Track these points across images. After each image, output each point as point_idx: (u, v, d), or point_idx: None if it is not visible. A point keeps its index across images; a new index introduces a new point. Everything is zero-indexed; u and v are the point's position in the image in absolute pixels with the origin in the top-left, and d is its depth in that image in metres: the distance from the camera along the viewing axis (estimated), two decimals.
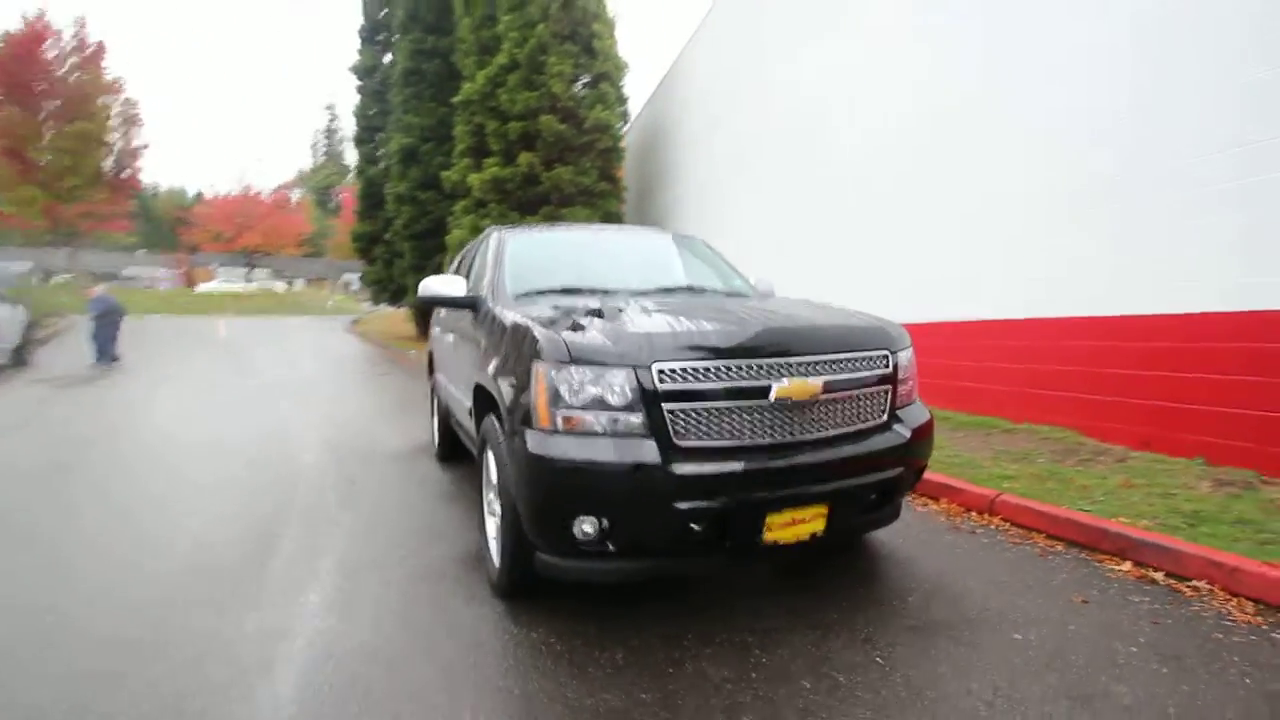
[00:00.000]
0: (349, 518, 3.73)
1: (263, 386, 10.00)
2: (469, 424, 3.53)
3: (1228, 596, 2.47)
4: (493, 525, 2.84)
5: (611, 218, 14.56)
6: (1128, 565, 2.81)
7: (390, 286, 20.86)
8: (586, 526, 2.15)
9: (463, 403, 3.49)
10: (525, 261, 3.51)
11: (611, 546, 2.18)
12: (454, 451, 5.10)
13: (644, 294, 3.30)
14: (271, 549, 3.22)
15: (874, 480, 2.43)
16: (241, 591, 2.73)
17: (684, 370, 2.18)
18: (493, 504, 2.75)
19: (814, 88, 8.20)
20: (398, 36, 17.93)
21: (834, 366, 2.38)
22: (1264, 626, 2.27)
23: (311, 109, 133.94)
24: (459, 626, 2.41)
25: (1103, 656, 2.11)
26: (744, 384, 2.22)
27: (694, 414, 2.18)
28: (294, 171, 76.32)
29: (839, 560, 2.95)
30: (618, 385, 2.15)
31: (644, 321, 2.34)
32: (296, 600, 2.65)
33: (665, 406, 2.15)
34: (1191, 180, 4.17)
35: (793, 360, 2.30)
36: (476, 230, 14.22)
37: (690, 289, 3.52)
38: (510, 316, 2.67)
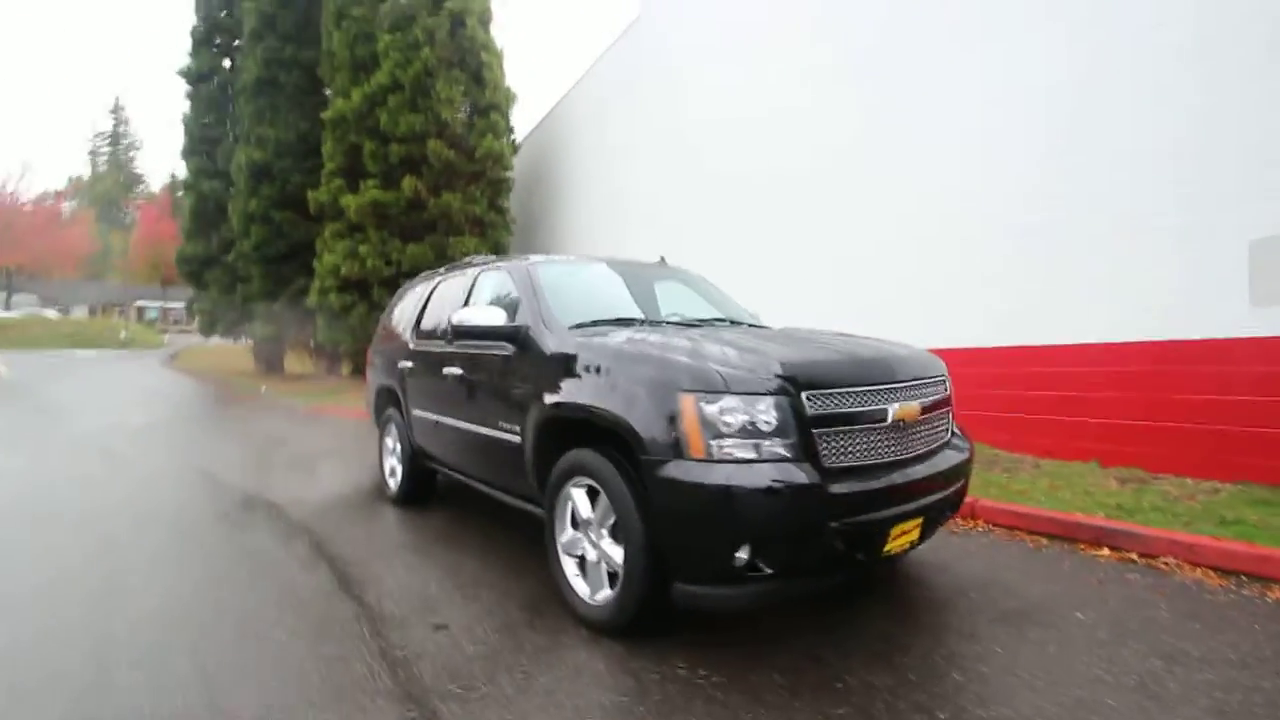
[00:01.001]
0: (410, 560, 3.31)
1: (105, 449, 8.38)
2: (499, 462, 3.35)
3: (1192, 567, 3.12)
4: (575, 565, 2.73)
5: (500, 249, 14.30)
6: (1106, 550, 3.41)
7: (228, 316, 18.43)
8: (745, 551, 2.19)
9: (495, 438, 3.30)
10: (562, 293, 3.44)
11: (767, 569, 2.24)
12: (423, 493, 4.73)
13: (690, 325, 3.41)
14: None
15: (952, 492, 2.74)
16: None
17: (827, 396, 2.33)
18: (595, 541, 2.64)
19: (730, 127, 8.83)
20: (246, 42, 16.24)
21: (923, 391, 2.66)
22: (1233, 587, 2.90)
23: (87, 109, 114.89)
24: (609, 687, 2.29)
25: (1151, 623, 2.56)
26: (871, 408, 2.42)
27: (835, 437, 2.32)
28: (65, 180, 64.62)
29: (880, 572, 3.22)
30: (771, 413, 2.24)
31: (779, 351, 2.45)
32: None
33: (814, 431, 2.28)
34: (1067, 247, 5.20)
35: (897, 386, 2.55)
36: (355, 257, 13.19)
37: (727, 321, 3.68)
38: (622, 347, 2.64)
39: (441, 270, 4.98)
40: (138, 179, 67.66)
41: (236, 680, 2.27)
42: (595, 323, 3.23)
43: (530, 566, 3.39)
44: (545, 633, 2.62)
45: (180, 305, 53.39)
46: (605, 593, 2.60)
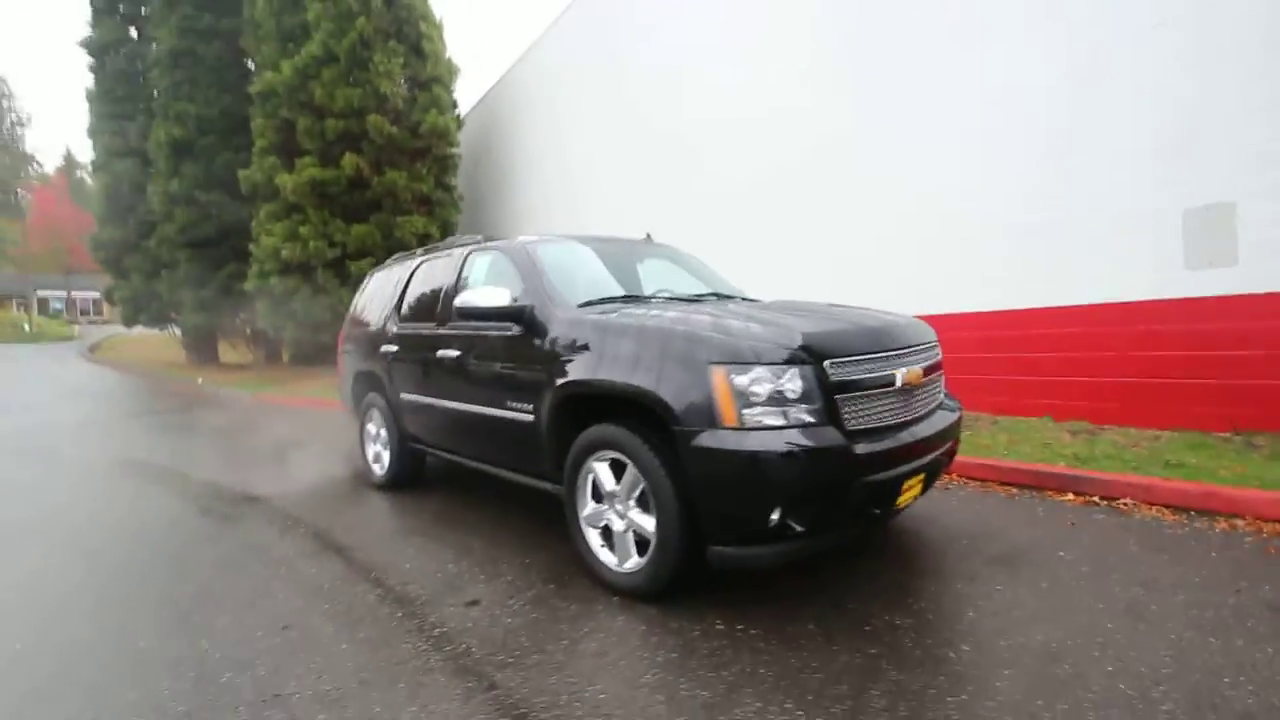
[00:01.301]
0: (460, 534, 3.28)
1: (45, 449, 7.87)
2: (506, 441, 3.36)
3: (1148, 506, 3.47)
4: (598, 536, 2.82)
5: (449, 228, 13.93)
6: (1071, 495, 3.75)
7: (152, 305, 17.27)
8: (777, 512, 2.32)
9: (502, 418, 3.31)
10: (563, 272, 3.45)
11: (797, 528, 2.38)
12: (411, 476, 4.68)
13: (691, 300, 3.49)
14: None
15: (948, 448, 2.96)
16: None
17: (844, 364, 2.47)
18: (622, 512, 2.72)
19: (695, 109, 8.85)
20: (158, 10, 14.96)
21: (922, 356, 2.85)
22: (1185, 521, 3.26)
23: None
24: (656, 645, 2.38)
25: (1125, 557, 2.86)
26: (882, 374, 2.57)
27: (854, 401, 2.47)
28: None
29: (879, 527, 3.44)
30: (797, 381, 2.35)
31: (798, 323, 2.57)
32: None
33: (836, 397, 2.42)
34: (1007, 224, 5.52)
35: (901, 352, 2.72)
36: (296, 239, 12.55)
37: (717, 295, 3.78)
38: (645, 323, 2.70)
39: (418, 252, 4.87)
40: (27, 159, 61.65)
41: (281, 668, 2.26)
42: (603, 300, 3.28)
43: (539, 540, 3.45)
44: (577, 601, 2.70)
45: (89, 295, 49.51)
46: (634, 560, 2.69)
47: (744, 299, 3.88)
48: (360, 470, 5.31)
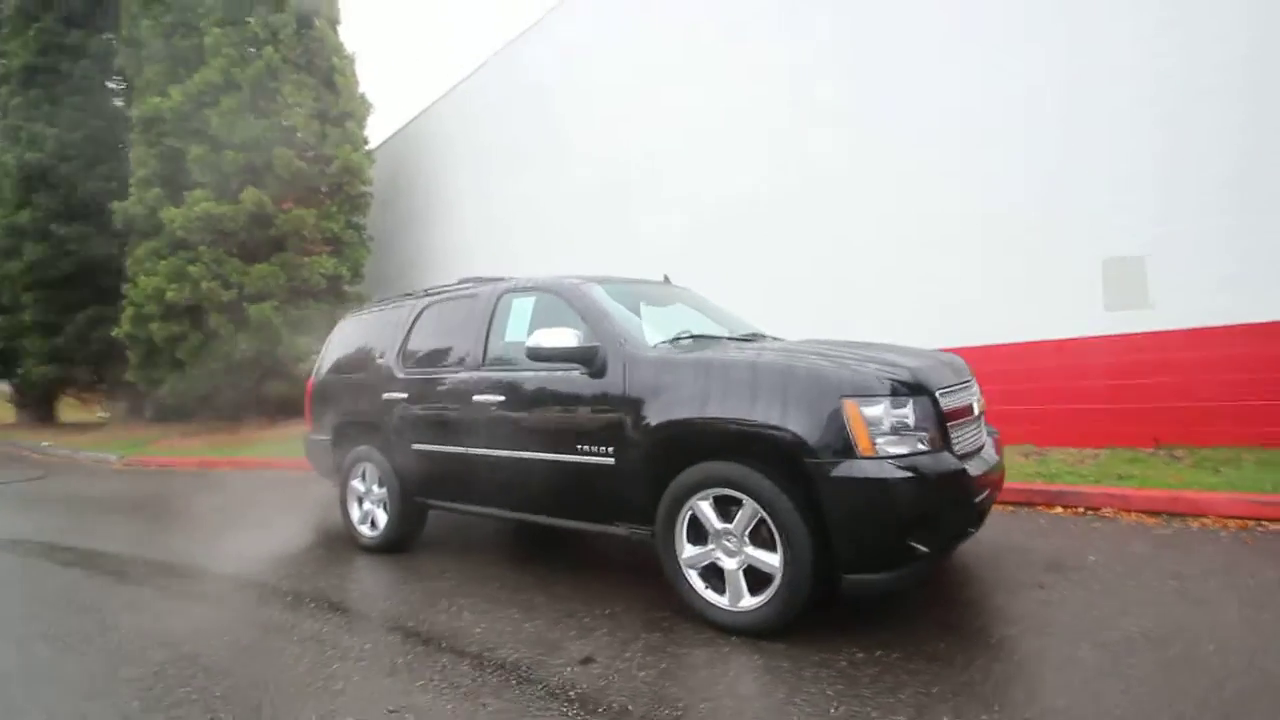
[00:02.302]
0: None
1: None
2: (573, 487, 3.25)
3: (1128, 513, 4.01)
4: (698, 576, 2.79)
5: (358, 269, 13.15)
6: (1059, 509, 4.24)
7: None
8: (915, 535, 2.46)
9: (570, 463, 3.20)
10: (622, 313, 3.46)
11: (925, 550, 2.52)
12: (413, 535, 4.34)
13: (737, 340, 3.62)
14: None
15: (1003, 472, 3.27)
16: None
17: (946, 394, 2.69)
18: (733, 550, 2.72)
19: (619, 158, 9.16)
20: (11, 20, 13.08)
21: (976, 387, 3.17)
22: (1164, 523, 3.81)
23: None
24: (817, 679, 2.37)
25: (1142, 556, 3.29)
26: (965, 403, 2.84)
27: (956, 429, 2.70)
28: None
29: None
30: (919, 411, 2.54)
31: (899, 359, 2.76)
32: None
33: (948, 424, 2.63)
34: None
35: (969, 382, 3.01)
36: (183, 278, 11.21)
37: (755, 335, 3.93)
38: (758, 360, 2.77)
39: (414, 294, 4.62)
40: None
41: None
42: (673, 340, 3.32)
43: (603, 588, 3.35)
44: (696, 646, 2.63)
45: None
46: (749, 599, 2.69)
47: (775, 339, 4.07)
48: (334, 533, 4.82)
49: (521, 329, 3.72)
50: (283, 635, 3.04)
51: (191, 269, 11.22)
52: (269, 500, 6.89)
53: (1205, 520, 3.76)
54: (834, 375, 2.57)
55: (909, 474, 2.42)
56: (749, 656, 2.52)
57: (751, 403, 2.67)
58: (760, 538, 2.68)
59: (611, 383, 3.11)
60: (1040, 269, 5.76)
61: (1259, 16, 4.82)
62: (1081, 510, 4.16)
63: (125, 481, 8.83)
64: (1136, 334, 5.30)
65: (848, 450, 2.45)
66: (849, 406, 2.48)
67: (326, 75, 12.48)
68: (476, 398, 3.67)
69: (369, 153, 13.26)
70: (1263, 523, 3.61)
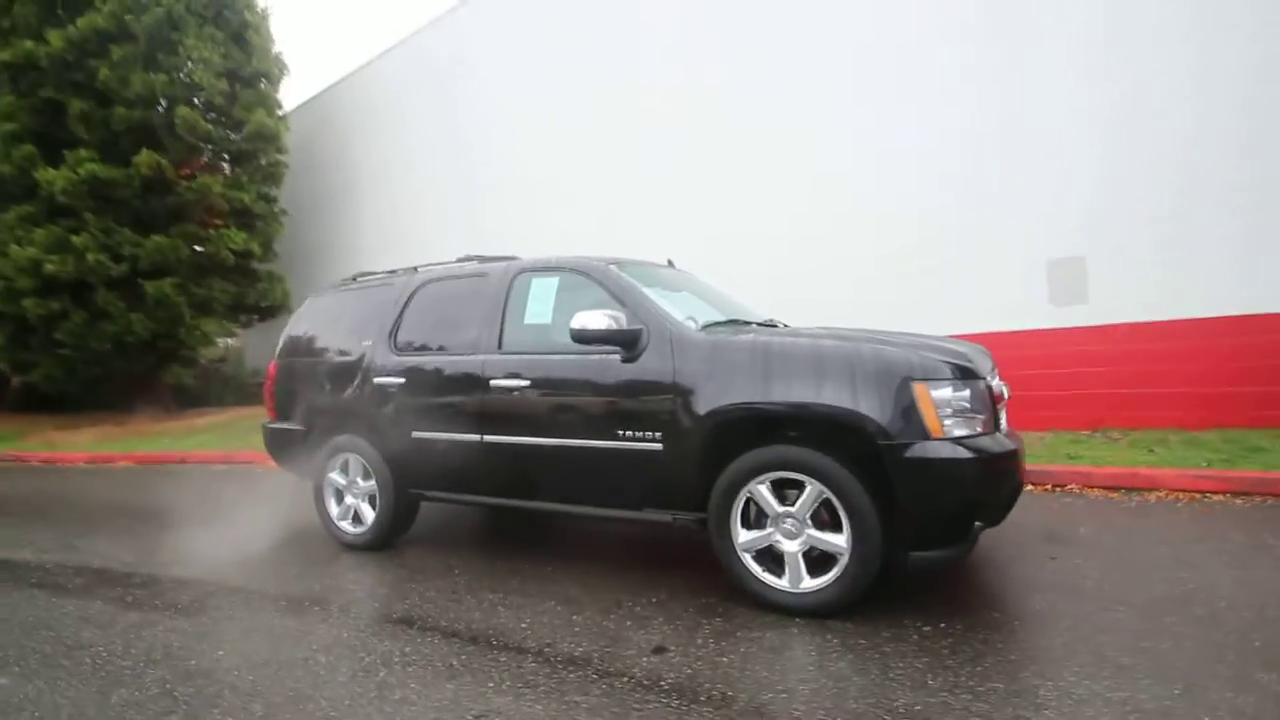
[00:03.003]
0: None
1: None
2: (613, 473, 3.14)
3: (1091, 489, 4.42)
4: (753, 559, 2.80)
5: (270, 244, 12.08)
6: (1030, 486, 4.60)
7: None
8: (979, 511, 2.58)
9: (612, 449, 3.09)
10: (665, 296, 3.38)
11: (982, 525, 2.65)
12: (404, 529, 4.08)
13: (762, 326, 3.63)
14: None
15: None
16: None
17: (996, 380, 2.84)
18: (793, 532, 2.73)
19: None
20: None
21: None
22: (1125, 498, 4.22)
23: None
24: (895, 654, 2.42)
25: (1126, 528, 3.63)
26: (1000, 389, 3.00)
27: (1000, 411, 2.85)
28: None
29: None
30: (977, 394, 2.65)
31: (946, 346, 2.86)
32: None
33: (997, 407, 2.77)
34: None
35: (995, 370, 3.19)
36: (64, 248, 9.78)
37: (771, 321, 3.96)
38: (822, 345, 2.78)
39: (400, 272, 4.29)
40: None
41: None
42: (717, 324, 3.29)
43: (640, 575, 3.29)
44: (765, 628, 2.62)
45: None
46: (811, 580, 2.72)
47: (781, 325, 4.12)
48: (301, 531, 4.44)
49: (544, 311, 3.54)
50: (297, 643, 2.74)
51: (76, 239, 9.85)
52: (203, 498, 6.21)
53: (1159, 494, 4.22)
54: (903, 359, 2.64)
55: (976, 454, 2.52)
56: (821, 636, 2.54)
57: (818, 386, 2.68)
58: (819, 519, 2.71)
59: (658, 366, 3.03)
60: (983, 273, 6.24)
61: (1194, 48, 5.43)
62: (1050, 487, 4.55)
63: (5, 481, 7.64)
64: (1075, 328, 5.84)
65: (920, 432, 2.53)
66: (919, 390, 2.55)
67: (237, 30, 11.31)
68: (495, 382, 3.46)
69: (284, 117, 12.17)
70: (1207, 495, 4.09)
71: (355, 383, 4.02)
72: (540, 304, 3.56)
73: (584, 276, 3.47)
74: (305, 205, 13.26)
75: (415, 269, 4.23)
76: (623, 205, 8.25)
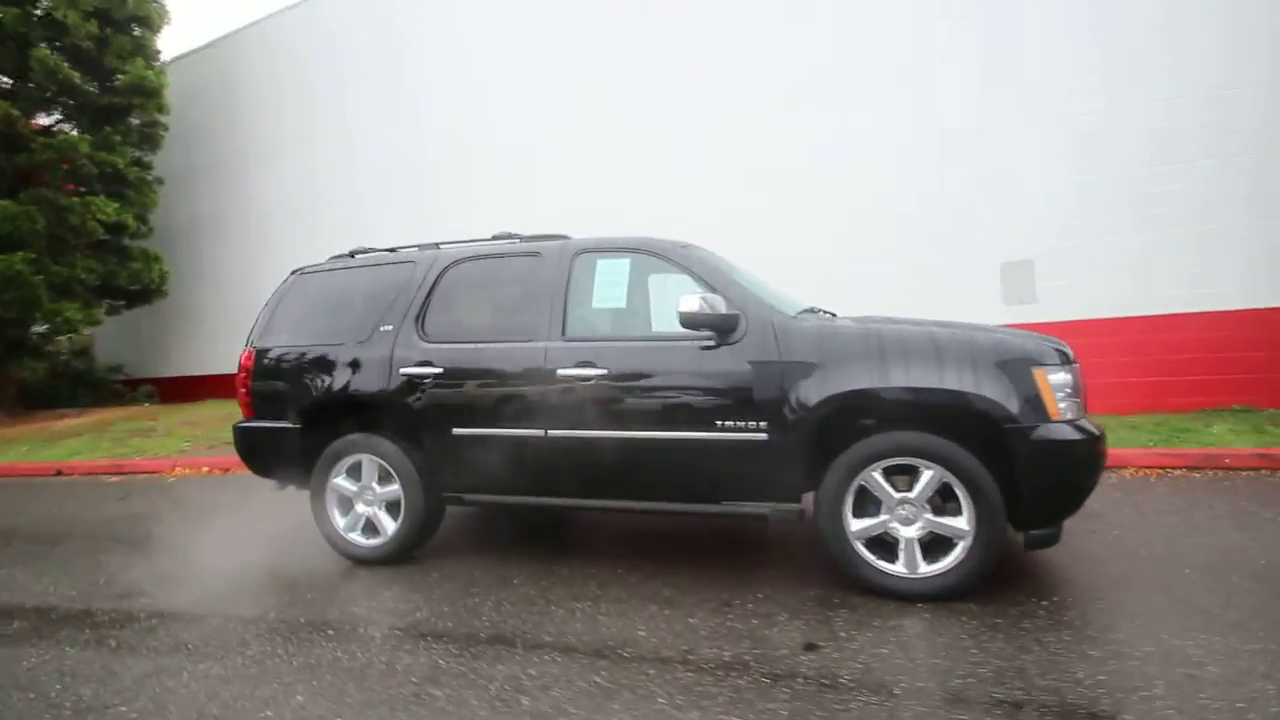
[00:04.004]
0: None
1: None
2: (708, 466, 3.00)
3: None
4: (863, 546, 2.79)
5: (146, 216, 10.43)
6: None
7: None
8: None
9: (710, 440, 2.93)
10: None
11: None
12: (428, 538, 3.65)
13: (817, 311, 3.62)
14: None
15: None
16: None
17: None
18: (909, 518, 2.73)
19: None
20: None
21: None
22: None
23: None
24: (1046, 628, 2.47)
25: (1126, 503, 4.03)
26: None
27: None
28: None
29: None
30: (1077, 378, 2.80)
31: (1034, 335, 2.99)
32: None
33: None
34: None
35: None
36: None
37: (814, 309, 3.96)
38: (934, 332, 2.79)
39: (416, 249, 3.83)
40: None
41: None
42: (804, 311, 3.24)
43: (716, 571, 3.20)
44: (899, 616, 2.59)
45: None
46: (929, 565, 2.74)
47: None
48: (283, 548, 3.87)
49: (615, 295, 3.31)
50: (390, 677, 2.34)
51: None
52: (120, 515, 5.22)
53: (1129, 470, 4.74)
54: (1020, 345, 2.73)
55: (1087, 435, 2.66)
56: (960, 619, 2.56)
57: (940, 372, 2.71)
58: (934, 505, 2.75)
59: (762, 353, 2.92)
60: (948, 273, 6.72)
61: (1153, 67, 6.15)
62: None
63: None
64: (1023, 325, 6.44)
65: (1042, 415, 2.62)
66: (1039, 374, 2.65)
67: None
68: (563, 372, 3.18)
69: (163, 70, 10.51)
70: (1169, 470, 4.67)
71: (373, 373, 3.53)
72: (610, 287, 3.32)
73: (660, 259, 3.28)
74: (182, 175, 11.55)
75: (437, 246, 3.79)
76: (586, 190, 7.96)
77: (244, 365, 3.90)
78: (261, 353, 3.85)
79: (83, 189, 9.32)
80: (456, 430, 3.37)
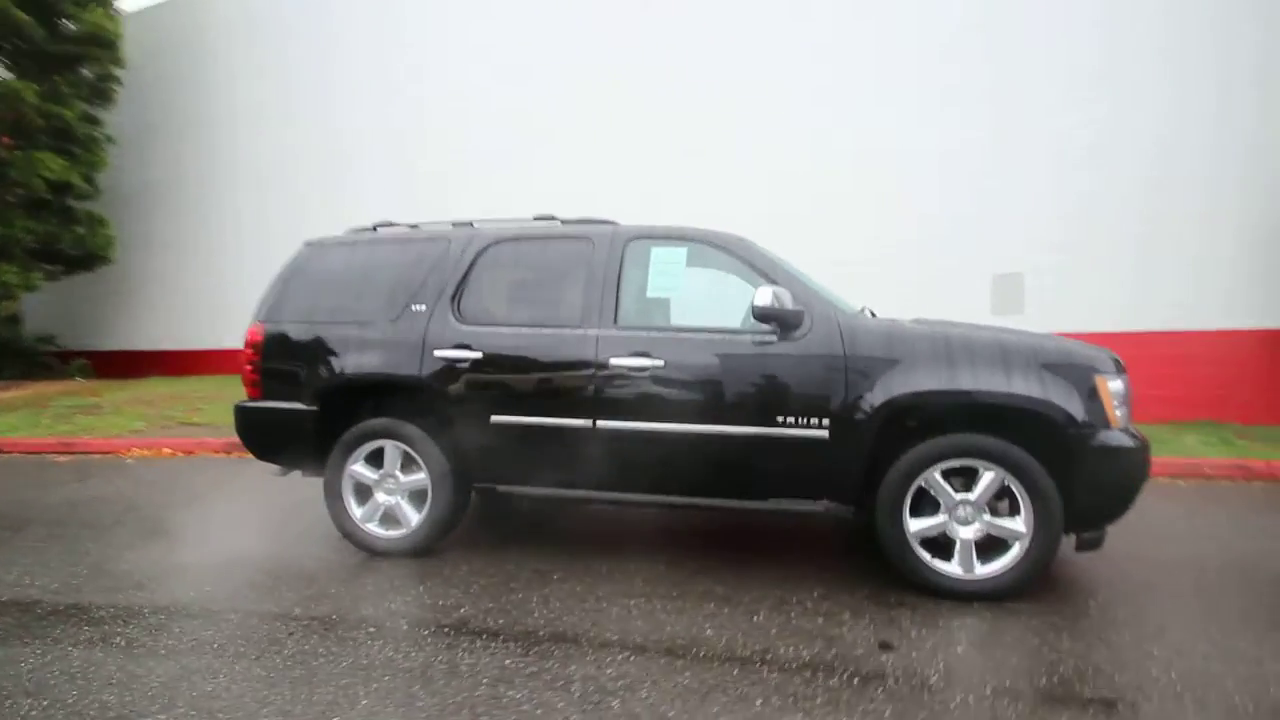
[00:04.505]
0: None
1: None
2: (764, 462, 2.96)
3: None
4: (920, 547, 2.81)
5: (94, 176, 9.66)
6: None
7: None
8: None
9: (767, 436, 2.89)
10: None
11: None
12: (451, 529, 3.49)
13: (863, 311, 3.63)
14: None
15: None
16: None
17: None
18: (968, 518, 2.76)
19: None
20: None
21: None
22: None
23: None
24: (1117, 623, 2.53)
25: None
26: None
27: None
28: None
29: None
30: (1128, 387, 2.88)
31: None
32: None
33: None
34: None
35: None
36: None
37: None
38: (1001, 337, 2.82)
39: (449, 225, 3.63)
40: None
41: None
42: (859, 311, 3.23)
43: (760, 570, 3.17)
44: (960, 615, 2.62)
45: None
46: (985, 566, 2.77)
47: None
48: (276, 536, 3.64)
49: (671, 285, 3.24)
50: (457, 679, 2.19)
51: None
52: (81, 497, 4.79)
53: None
54: (1083, 353, 2.79)
55: (1140, 442, 2.76)
56: (1019, 618, 2.60)
57: (1007, 377, 2.74)
58: (994, 506, 2.78)
59: (828, 350, 2.89)
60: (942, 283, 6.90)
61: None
62: None
63: None
64: None
65: (1102, 421, 2.69)
66: (1100, 382, 2.72)
67: None
68: (616, 361, 3.07)
69: (121, 18, 9.73)
70: (1154, 478, 4.90)
71: (404, 355, 3.33)
72: (665, 276, 3.22)
73: (719, 249, 3.21)
74: (136, 135, 10.72)
75: (471, 224, 3.60)
76: (578, 176, 7.78)
77: (251, 341, 3.61)
78: (273, 328, 3.58)
79: (24, 143, 8.51)
80: (495, 418, 3.21)
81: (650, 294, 3.23)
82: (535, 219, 3.57)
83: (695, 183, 7.48)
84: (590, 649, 2.39)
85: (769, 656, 2.33)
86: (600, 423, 3.10)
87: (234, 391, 3.85)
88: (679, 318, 3.38)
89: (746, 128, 7.48)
